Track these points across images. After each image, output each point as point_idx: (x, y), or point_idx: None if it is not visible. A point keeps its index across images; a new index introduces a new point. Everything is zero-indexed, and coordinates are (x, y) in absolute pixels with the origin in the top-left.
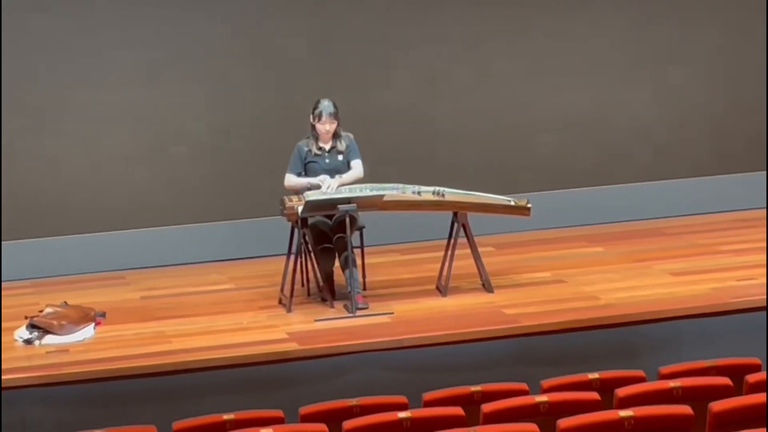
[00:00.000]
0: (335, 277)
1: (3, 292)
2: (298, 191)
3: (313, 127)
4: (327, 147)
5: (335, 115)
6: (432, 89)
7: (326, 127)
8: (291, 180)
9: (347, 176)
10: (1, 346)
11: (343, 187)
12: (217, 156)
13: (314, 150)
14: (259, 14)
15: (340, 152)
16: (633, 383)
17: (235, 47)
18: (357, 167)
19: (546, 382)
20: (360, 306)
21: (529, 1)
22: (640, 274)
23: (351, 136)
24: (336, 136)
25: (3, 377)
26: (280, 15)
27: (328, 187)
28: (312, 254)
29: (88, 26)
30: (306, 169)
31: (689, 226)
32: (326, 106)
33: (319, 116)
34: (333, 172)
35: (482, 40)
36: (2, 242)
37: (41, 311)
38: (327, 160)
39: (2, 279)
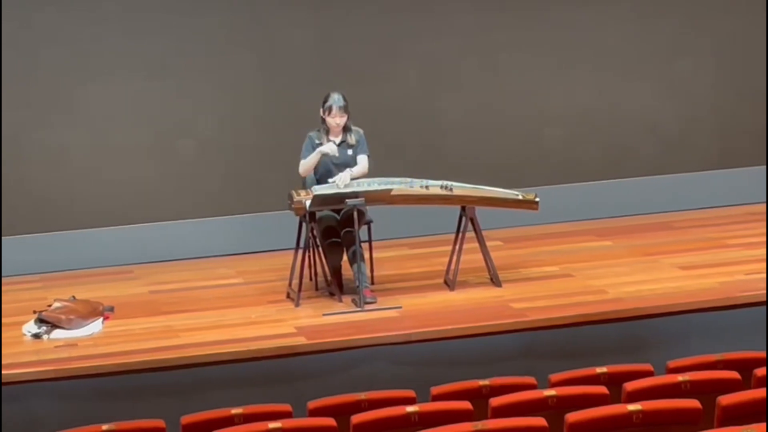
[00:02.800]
0: (343, 272)
1: (11, 287)
2: (312, 170)
3: (324, 120)
4: (337, 141)
5: (345, 109)
6: (439, 82)
7: (336, 120)
8: (303, 163)
9: (355, 171)
10: (0, 341)
11: (351, 181)
12: (225, 150)
13: (324, 143)
14: (266, 7)
15: (350, 146)
16: (641, 377)
17: (242, 40)
18: (362, 162)
19: (554, 376)
20: (368, 300)
21: None
22: (649, 268)
23: (361, 131)
24: (346, 129)
25: (11, 371)
26: (287, 8)
27: (341, 181)
28: (320, 248)
29: (94, 19)
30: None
31: (697, 219)
32: (336, 99)
33: (330, 110)
34: (342, 166)
35: (489, 32)
36: (10, 237)
37: (49, 306)
38: (336, 154)
39: (11, 274)
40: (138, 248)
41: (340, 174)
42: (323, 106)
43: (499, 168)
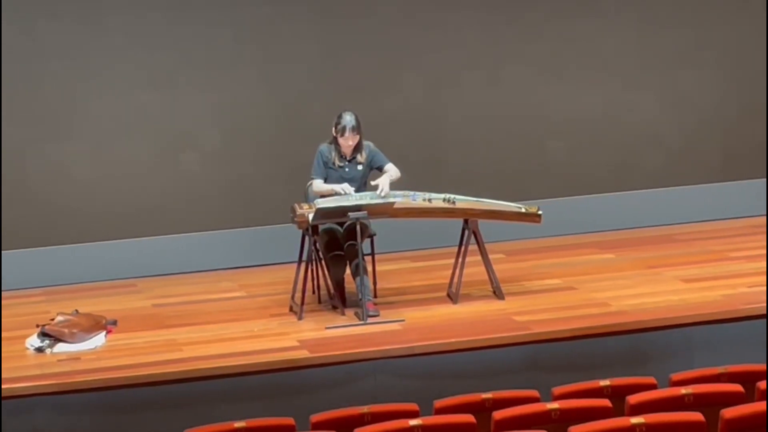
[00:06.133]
0: (346, 285)
1: (14, 301)
2: (324, 196)
3: (335, 139)
4: (348, 157)
5: (357, 129)
6: (442, 95)
7: (349, 142)
8: (317, 186)
9: (392, 178)
10: (0, 354)
11: (352, 195)
12: (228, 163)
13: (335, 160)
14: (270, 20)
15: (360, 163)
16: (644, 390)
17: (246, 53)
18: (392, 169)
19: (557, 389)
20: (371, 313)
21: (540, 5)
22: (652, 281)
23: (371, 144)
24: (357, 147)
25: (15, 385)
26: (291, 21)
27: (381, 191)
28: (323, 261)
29: (99, 33)
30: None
31: (700, 232)
32: (348, 120)
33: (342, 131)
34: (351, 182)
35: (493, 45)
36: (13, 250)
37: (52, 319)
38: (347, 170)
39: (14, 287)
40: (141, 262)
41: (382, 184)
42: (336, 127)
43: (501, 181)
